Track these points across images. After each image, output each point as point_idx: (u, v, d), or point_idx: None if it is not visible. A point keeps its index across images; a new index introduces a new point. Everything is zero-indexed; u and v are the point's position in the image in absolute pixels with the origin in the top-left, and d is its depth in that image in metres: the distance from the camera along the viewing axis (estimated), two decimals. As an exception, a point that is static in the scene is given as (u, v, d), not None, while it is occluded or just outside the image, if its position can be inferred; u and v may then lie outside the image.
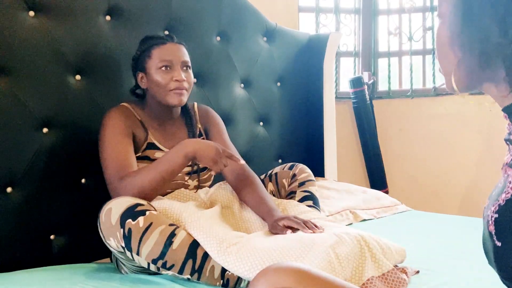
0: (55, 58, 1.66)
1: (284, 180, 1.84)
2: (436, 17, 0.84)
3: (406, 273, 1.36)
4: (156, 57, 1.61)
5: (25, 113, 1.59)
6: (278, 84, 2.50)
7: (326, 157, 2.63)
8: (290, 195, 1.81)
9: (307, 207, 1.71)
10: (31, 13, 1.62)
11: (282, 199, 1.77)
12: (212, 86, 2.17)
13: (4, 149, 1.54)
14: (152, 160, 1.61)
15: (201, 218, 1.39)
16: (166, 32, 1.98)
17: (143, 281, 1.37)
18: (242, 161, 1.57)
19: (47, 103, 1.64)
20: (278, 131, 2.49)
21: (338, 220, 2.01)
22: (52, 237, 1.65)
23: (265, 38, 2.43)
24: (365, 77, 3.14)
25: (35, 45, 1.62)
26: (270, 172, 1.90)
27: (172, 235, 1.31)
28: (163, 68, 1.60)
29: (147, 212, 1.32)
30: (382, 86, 3.30)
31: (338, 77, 3.15)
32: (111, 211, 1.32)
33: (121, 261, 1.44)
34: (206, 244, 1.31)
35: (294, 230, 1.43)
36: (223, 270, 1.31)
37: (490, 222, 0.73)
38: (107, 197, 1.48)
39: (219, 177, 1.78)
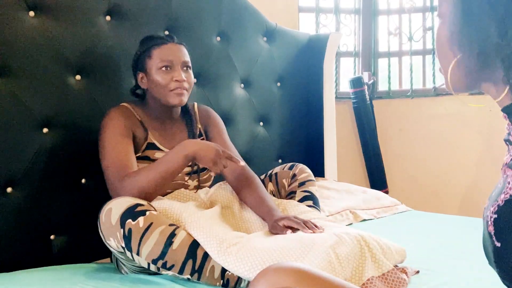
0: (55, 58, 1.66)
1: (284, 180, 1.84)
2: (436, 17, 0.84)
3: (406, 273, 1.36)
4: (157, 57, 1.61)
5: (25, 113, 1.59)
6: (278, 84, 2.50)
7: (326, 157, 2.63)
8: (290, 195, 1.81)
9: (307, 207, 1.71)
10: (31, 13, 1.62)
11: (282, 199, 1.77)
12: (212, 86, 2.17)
13: (4, 149, 1.54)
14: (152, 160, 1.61)
15: (201, 218, 1.39)
16: (166, 32, 1.98)
17: (143, 281, 1.37)
18: (242, 162, 1.57)
19: (47, 103, 1.64)
20: (278, 131, 2.49)
21: (338, 220, 2.01)
22: (52, 237, 1.65)
23: (265, 38, 2.43)
24: (365, 77, 3.13)
25: (35, 45, 1.62)
26: (270, 172, 1.90)
27: (172, 235, 1.31)
28: (164, 68, 1.60)
29: (147, 212, 1.32)
30: (382, 86, 3.30)
31: (338, 77, 3.15)
32: (111, 211, 1.32)
33: (121, 261, 1.44)
34: (206, 244, 1.31)
35: (294, 230, 1.43)
36: (223, 270, 1.31)
37: (489, 222, 0.73)
38: (107, 197, 1.47)
39: (219, 177, 1.78)
